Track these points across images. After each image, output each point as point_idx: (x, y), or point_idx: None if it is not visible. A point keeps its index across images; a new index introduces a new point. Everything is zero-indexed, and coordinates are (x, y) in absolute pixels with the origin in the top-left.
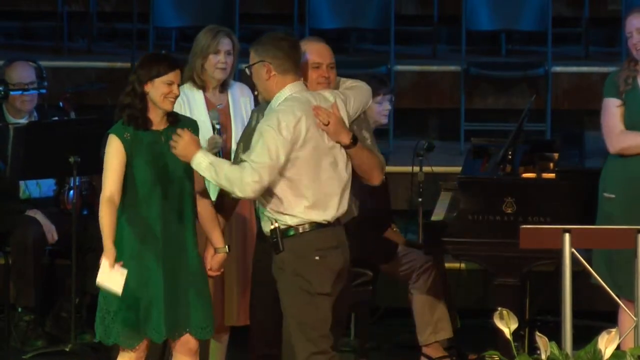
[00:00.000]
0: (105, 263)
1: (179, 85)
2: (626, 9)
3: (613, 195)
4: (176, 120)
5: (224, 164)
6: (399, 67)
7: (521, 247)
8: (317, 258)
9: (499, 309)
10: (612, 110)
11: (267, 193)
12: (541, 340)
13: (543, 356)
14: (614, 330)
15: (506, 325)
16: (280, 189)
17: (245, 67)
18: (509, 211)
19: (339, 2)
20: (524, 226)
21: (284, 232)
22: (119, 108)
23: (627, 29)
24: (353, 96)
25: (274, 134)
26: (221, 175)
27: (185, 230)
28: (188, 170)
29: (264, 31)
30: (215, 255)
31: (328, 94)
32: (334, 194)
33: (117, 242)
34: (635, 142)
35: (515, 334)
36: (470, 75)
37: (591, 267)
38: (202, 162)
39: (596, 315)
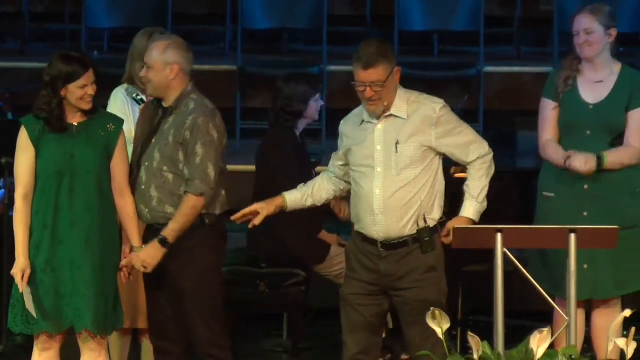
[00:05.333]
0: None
1: (94, 83)
2: (558, 9)
3: (552, 194)
4: (93, 114)
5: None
6: (332, 68)
7: (454, 247)
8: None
9: (432, 309)
10: (545, 113)
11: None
12: (473, 340)
13: (475, 356)
14: (546, 329)
15: (439, 325)
16: None
17: (379, 86)
18: None
19: (272, 3)
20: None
21: (433, 229)
22: (36, 108)
23: (574, 27)
24: None
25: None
26: None
27: (90, 223)
28: (101, 165)
29: (198, 31)
30: (131, 253)
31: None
32: None
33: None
34: (553, 158)
35: (448, 333)
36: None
37: (528, 265)
38: None
39: (530, 315)
